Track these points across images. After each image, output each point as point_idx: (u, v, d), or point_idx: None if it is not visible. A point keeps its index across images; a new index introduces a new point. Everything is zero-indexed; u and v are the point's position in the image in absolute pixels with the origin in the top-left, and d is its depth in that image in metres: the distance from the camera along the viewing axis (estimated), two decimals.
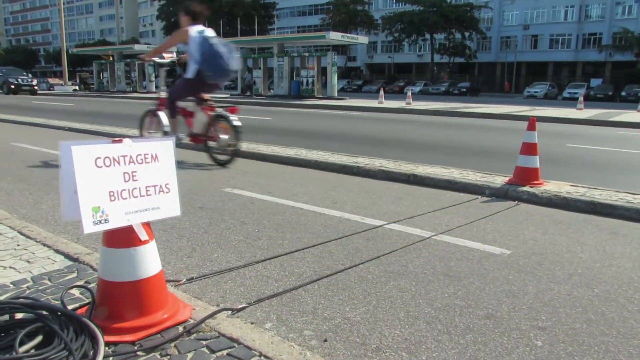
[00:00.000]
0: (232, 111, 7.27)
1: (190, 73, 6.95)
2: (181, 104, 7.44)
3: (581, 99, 23.49)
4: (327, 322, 2.73)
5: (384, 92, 28.16)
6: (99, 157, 2.24)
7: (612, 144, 11.19)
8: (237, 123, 7.19)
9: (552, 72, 63.05)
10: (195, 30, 6.79)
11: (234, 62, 6.73)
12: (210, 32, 6.91)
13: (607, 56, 56.46)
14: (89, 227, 2.20)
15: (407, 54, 72.23)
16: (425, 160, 7.84)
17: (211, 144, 7.53)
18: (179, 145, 7.09)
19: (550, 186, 5.91)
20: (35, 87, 37.77)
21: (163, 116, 7.56)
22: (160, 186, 2.48)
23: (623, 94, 42.93)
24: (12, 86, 35.86)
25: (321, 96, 29.82)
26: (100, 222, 2.23)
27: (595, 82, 52.51)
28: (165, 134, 7.38)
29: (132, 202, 2.35)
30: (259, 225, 4.50)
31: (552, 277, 3.43)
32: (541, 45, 63.51)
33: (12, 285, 2.90)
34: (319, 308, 2.89)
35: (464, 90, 53.70)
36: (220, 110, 7.32)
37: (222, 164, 7.45)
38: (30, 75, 41.17)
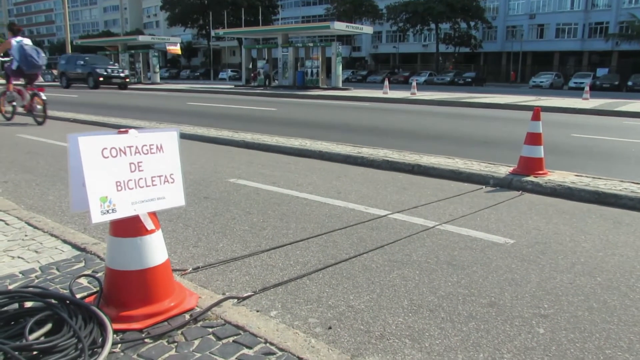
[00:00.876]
0: (41, 90, 11.43)
1: (13, 66, 10.96)
2: (18, 86, 11.63)
3: (587, 88, 23.37)
4: (332, 310, 2.77)
5: (389, 82, 28.06)
6: (106, 148, 2.27)
7: (618, 134, 11.15)
8: (44, 97, 11.32)
9: (558, 61, 62.66)
10: (15, 40, 10.81)
11: (40, 60, 10.97)
12: (26, 41, 10.98)
13: (613, 45, 56.06)
14: (97, 217, 2.23)
15: (412, 44, 71.85)
16: (429, 151, 7.86)
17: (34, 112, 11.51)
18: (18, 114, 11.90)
19: (555, 176, 5.92)
20: (127, 80, 31.81)
21: (10, 95, 11.71)
22: (166, 176, 2.51)
23: (629, 83, 42.62)
24: (101, 78, 29.75)
25: (326, 87, 29.80)
26: (107, 211, 2.27)
27: (601, 71, 52.18)
28: (13, 106, 11.86)
29: (139, 192, 2.39)
30: (264, 215, 4.53)
31: (555, 266, 3.45)
32: (547, 34, 63.08)
33: (21, 275, 2.94)
34: (324, 296, 2.93)
35: (469, 80, 53.51)
36: (35, 90, 11.36)
37: (39, 124, 11.43)
38: (117, 64, 34.66)
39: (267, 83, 32.66)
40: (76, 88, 30.69)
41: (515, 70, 62.97)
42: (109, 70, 30.53)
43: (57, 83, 34.36)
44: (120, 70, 31.64)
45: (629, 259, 3.62)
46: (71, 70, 31.74)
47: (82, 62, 31.06)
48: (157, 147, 2.50)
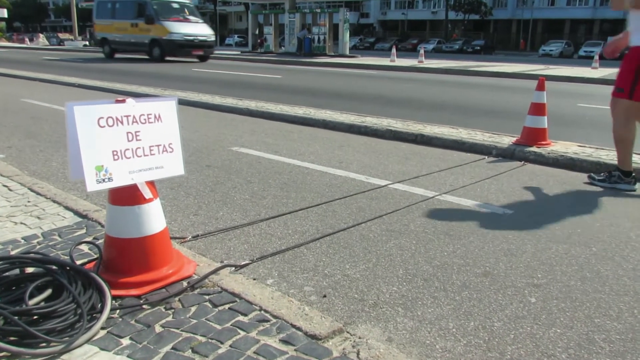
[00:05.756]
0: None
1: None
2: None
3: (596, 57, 23.06)
4: (327, 278, 2.81)
5: (396, 50, 27.79)
6: (102, 117, 2.29)
7: None
8: None
9: (569, 29, 61.82)
10: None
11: None
12: None
13: (625, 14, 55.06)
14: (92, 185, 2.26)
15: (421, 10, 70.94)
16: (434, 120, 7.84)
17: None
18: None
19: (558, 146, 5.91)
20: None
21: None
22: (164, 146, 2.53)
23: None
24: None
25: (332, 54, 29.53)
26: (104, 180, 2.30)
27: None
28: None
29: (136, 161, 2.41)
30: (265, 184, 4.56)
31: (551, 237, 3.48)
32: (558, 1, 62.08)
33: (23, 241, 3.00)
34: (320, 265, 2.97)
35: (478, 48, 52.96)
36: None
37: None
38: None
39: (261, 49, 31.89)
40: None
41: (525, 39, 62.16)
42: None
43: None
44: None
45: (625, 229, 3.64)
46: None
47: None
48: (155, 117, 2.51)
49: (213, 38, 24.02)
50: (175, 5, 23.66)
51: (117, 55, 25.70)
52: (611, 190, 4.62)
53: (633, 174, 4.73)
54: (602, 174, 4.88)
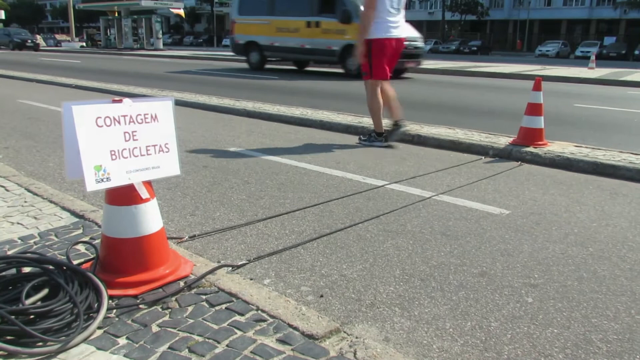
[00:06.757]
0: None
1: None
2: None
3: (593, 57, 23.15)
4: (324, 278, 2.81)
5: None
6: (100, 117, 2.29)
7: (621, 104, 11.09)
8: None
9: (566, 30, 61.97)
10: None
11: None
12: None
13: (621, 13, 55.33)
14: (91, 185, 2.26)
15: (417, 11, 70.95)
16: (430, 121, 7.84)
17: None
18: None
19: (554, 147, 5.92)
20: None
21: None
22: (160, 146, 2.53)
23: (636, 52, 42.21)
24: None
25: None
26: (102, 180, 2.30)
27: (608, 40, 51.67)
28: None
29: (133, 161, 2.41)
30: (262, 185, 4.56)
31: (548, 237, 3.48)
32: (555, 2, 62.23)
33: (19, 241, 2.99)
34: (317, 265, 2.97)
35: (475, 48, 53.03)
36: None
37: None
38: None
39: None
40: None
41: (521, 39, 62.28)
42: None
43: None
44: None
45: (622, 229, 3.65)
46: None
47: None
48: (151, 117, 2.51)
49: (423, 43, 17.22)
50: None
51: (114, 57, 24.68)
52: (609, 191, 4.63)
53: (384, 134, 6.40)
54: (365, 136, 6.54)
